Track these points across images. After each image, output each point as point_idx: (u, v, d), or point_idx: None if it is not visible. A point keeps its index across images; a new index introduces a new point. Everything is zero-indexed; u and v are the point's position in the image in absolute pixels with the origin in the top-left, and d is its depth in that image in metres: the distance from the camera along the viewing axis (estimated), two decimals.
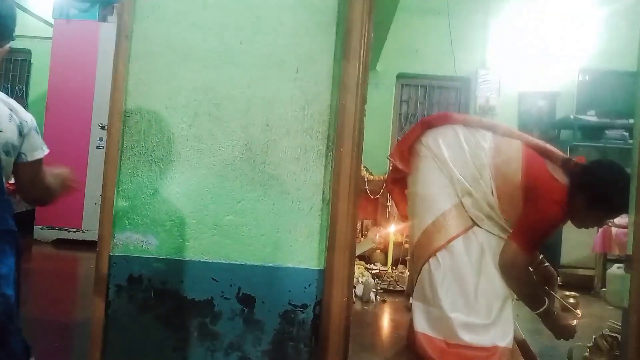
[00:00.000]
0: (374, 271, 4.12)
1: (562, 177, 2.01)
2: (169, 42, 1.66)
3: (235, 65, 1.66)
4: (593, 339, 2.12)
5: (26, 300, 1.37)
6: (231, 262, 1.63)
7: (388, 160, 2.45)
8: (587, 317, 3.29)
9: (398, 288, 3.75)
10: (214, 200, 1.65)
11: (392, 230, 4.25)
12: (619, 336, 1.97)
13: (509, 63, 5.45)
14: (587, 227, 2.13)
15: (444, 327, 1.99)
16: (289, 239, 1.64)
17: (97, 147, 4.50)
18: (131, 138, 1.65)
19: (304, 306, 1.62)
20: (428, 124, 2.23)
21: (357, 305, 3.28)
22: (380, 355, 2.48)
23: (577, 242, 4.27)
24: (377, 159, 4.79)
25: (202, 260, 1.64)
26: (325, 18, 1.66)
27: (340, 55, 1.65)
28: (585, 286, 4.13)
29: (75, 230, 4.54)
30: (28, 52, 5.37)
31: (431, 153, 2.15)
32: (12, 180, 1.30)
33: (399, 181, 2.35)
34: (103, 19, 4.72)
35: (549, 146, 2.11)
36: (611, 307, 2.75)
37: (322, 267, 1.64)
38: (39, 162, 1.27)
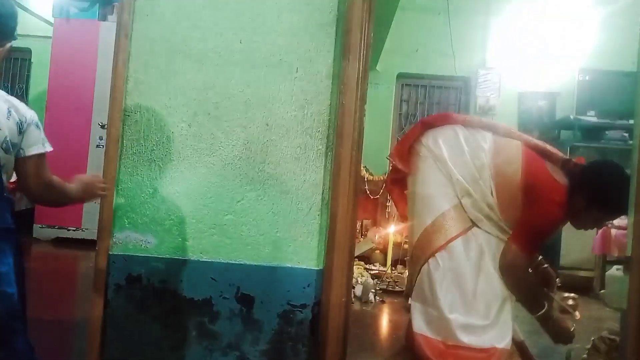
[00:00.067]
0: (373, 271, 4.11)
1: (561, 178, 2.01)
2: (169, 42, 1.65)
3: (235, 65, 1.66)
4: (592, 341, 2.12)
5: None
6: (230, 261, 1.63)
7: (388, 160, 2.45)
8: (585, 319, 3.28)
9: (397, 289, 3.75)
10: (214, 200, 1.64)
11: (392, 231, 4.25)
12: (617, 338, 1.97)
13: (509, 63, 5.44)
14: (586, 229, 2.12)
15: (442, 328, 1.99)
16: (288, 239, 1.64)
17: (97, 146, 4.50)
18: (131, 137, 1.65)
19: (303, 306, 1.62)
20: (428, 124, 2.22)
21: (356, 306, 3.28)
22: (379, 355, 2.47)
23: (576, 244, 4.27)
24: (377, 159, 4.78)
25: (201, 260, 1.64)
26: (325, 18, 1.66)
27: (340, 55, 1.65)
28: (585, 288, 4.12)
29: (74, 229, 4.53)
30: (28, 51, 5.36)
31: (431, 153, 2.15)
32: (14, 179, 1.29)
33: (398, 181, 2.34)
34: (103, 18, 4.72)
35: (548, 147, 2.11)
36: (610, 309, 2.75)
37: (321, 267, 1.64)
38: (38, 157, 1.25)
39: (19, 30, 1.33)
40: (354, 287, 3.40)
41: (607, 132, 4.96)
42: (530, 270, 2.10)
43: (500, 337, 1.97)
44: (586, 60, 5.31)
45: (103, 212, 1.64)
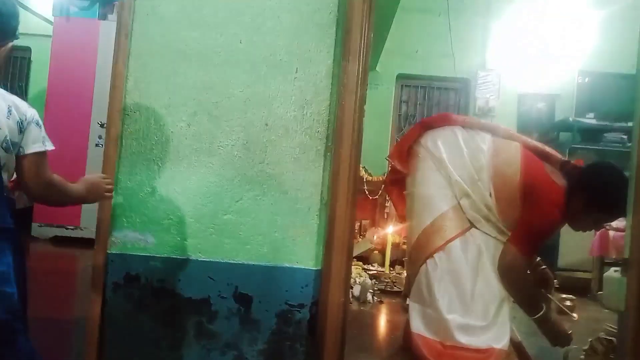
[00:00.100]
0: (372, 272, 4.12)
1: (560, 180, 2.01)
2: (169, 41, 1.65)
3: (235, 65, 1.66)
4: (589, 342, 2.12)
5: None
6: (228, 261, 1.63)
7: (387, 161, 2.45)
8: (583, 320, 3.29)
9: (395, 289, 3.75)
10: (212, 199, 1.65)
11: (390, 231, 4.25)
12: (614, 339, 1.97)
13: (509, 64, 5.45)
14: (584, 230, 2.13)
15: (440, 329, 1.99)
16: (286, 239, 1.64)
17: (96, 145, 4.49)
18: (130, 136, 1.65)
19: (301, 306, 1.62)
20: (427, 125, 2.23)
21: (354, 306, 3.28)
22: (377, 355, 2.48)
23: (574, 245, 4.28)
24: (376, 160, 4.78)
25: (199, 259, 1.64)
26: (325, 18, 1.66)
27: (340, 56, 1.65)
28: (582, 289, 4.13)
29: (73, 227, 4.53)
30: (28, 49, 5.35)
31: (430, 154, 2.16)
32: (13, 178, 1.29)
33: (397, 182, 2.35)
34: (103, 17, 4.71)
35: (547, 148, 2.12)
36: (607, 310, 2.74)
37: (319, 267, 1.64)
38: (38, 155, 1.25)
39: (19, 28, 1.33)
40: (352, 287, 3.40)
41: (606, 134, 4.97)
42: (528, 271, 2.11)
43: (498, 338, 1.97)
44: (586, 62, 5.31)
45: (102, 211, 1.64)
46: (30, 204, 4.06)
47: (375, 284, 3.77)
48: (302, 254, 1.64)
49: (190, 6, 1.66)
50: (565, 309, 3.08)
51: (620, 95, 4.94)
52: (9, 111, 1.21)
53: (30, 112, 1.26)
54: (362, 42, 1.66)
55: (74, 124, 4.48)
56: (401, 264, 4.15)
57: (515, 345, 2.07)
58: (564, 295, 3.48)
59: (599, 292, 3.82)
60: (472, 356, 1.95)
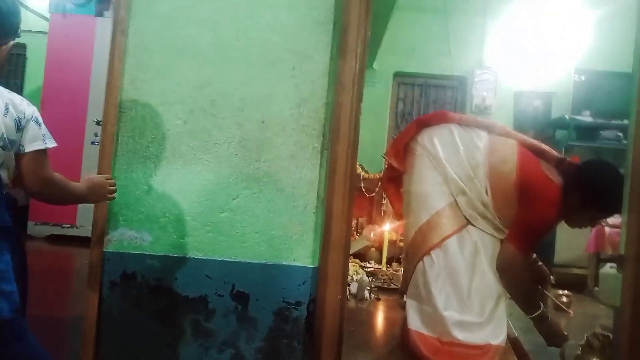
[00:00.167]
0: (369, 269, 4.12)
1: (556, 177, 2.02)
2: (165, 38, 1.65)
3: (231, 62, 1.65)
4: (585, 338, 2.13)
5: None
6: (225, 259, 1.63)
7: (384, 159, 2.45)
8: (579, 316, 3.31)
9: (392, 286, 3.76)
10: (209, 197, 1.64)
11: (387, 229, 4.26)
12: (611, 335, 1.98)
13: (506, 63, 5.46)
14: (580, 227, 2.14)
15: (437, 325, 2.00)
16: (283, 237, 1.64)
17: (92, 143, 4.48)
18: (126, 134, 1.64)
19: (298, 304, 1.62)
20: (423, 123, 2.23)
21: (351, 303, 3.29)
22: (374, 352, 2.48)
23: (570, 242, 4.30)
24: (373, 157, 4.79)
25: (196, 257, 1.63)
26: (321, 15, 1.65)
27: (337, 53, 1.65)
28: (578, 285, 4.16)
29: (69, 226, 4.52)
30: (23, 46, 5.33)
31: (426, 152, 2.16)
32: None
33: (394, 179, 2.35)
34: (99, 14, 4.69)
35: (543, 146, 2.12)
36: (604, 306, 2.77)
37: (316, 265, 1.64)
38: (37, 153, 1.25)
39: (20, 27, 1.33)
40: (349, 285, 3.41)
41: (602, 132, 4.99)
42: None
43: (495, 334, 1.98)
44: (582, 61, 5.33)
45: (98, 209, 1.63)
46: (27, 202, 4.04)
47: (372, 281, 3.77)
48: (299, 251, 1.63)
49: (186, 3, 1.66)
50: (562, 305, 3.10)
51: (616, 93, 4.97)
52: (6, 109, 1.21)
53: (30, 110, 1.26)
54: (359, 40, 1.66)
55: (69, 122, 4.46)
56: (398, 261, 4.16)
57: (512, 341, 2.08)
58: (560, 291, 3.50)
59: (595, 288, 3.85)
60: (470, 352, 1.95)
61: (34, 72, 5.20)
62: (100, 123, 1.66)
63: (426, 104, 5.78)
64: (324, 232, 1.64)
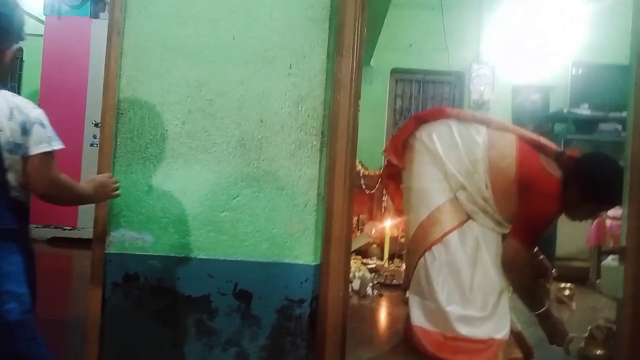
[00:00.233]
0: (371, 266, 4.13)
1: (555, 171, 2.02)
2: (161, 38, 1.65)
3: (229, 61, 1.65)
4: (588, 330, 2.14)
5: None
6: (227, 258, 1.63)
7: (383, 155, 2.45)
8: (582, 309, 3.31)
9: (394, 282, 3.76)
10: (209, 197, 1.64)
11: (388, 225, 4.26)
12: (613, 327, 1.99)
13: (503, 57, 5.46)
14: (581, 220, 2.14)
15: (440, 321, 2.00)
16: (284, 235, 1.64)
17: (91, 145, 4.48)
18: (124, 135, 1.64)
19: (301, 301, 1.63)
20: (422, 119, 2.23)
21: (354, 300, 3.29)
22: (377, 349, 2.49)
23: (572, 235, 4.30)
24: (372, 154, 4.79)
25: (198, 257, 1.63)
26: (318, 13, 1.65)
27: (334, 51, 1.65)
28: (581, 278, 4.16)
29: (70, 228, 4.52)
30: (19, 49, 5.32)
31: (425, 148, 2.16)
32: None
33: (394, 176, 2.36)
34: (95, 15, 4.68)
35: (542, 139, 2.12)
36: (606, 298, 2.77)
37: (318, 262, 1.64)
38: (44, 155, 1.25)
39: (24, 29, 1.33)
40: (351, 282, 3.41)
41: (600, 125, 4.99)
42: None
43: (498, 328, 1.98)
44: (579, 54, 5.33)
45: (99, 211, 1.63)
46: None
47: (374, 277, 3.78)
48: (301, 249, 1.64)
49: (182, 3, 1.65)
50: (564, 298, 3.11)
51: (614, 86, 4.96)
52: (11, 113, 1.22)
53: (35, 113, 1.27)
54: (356, 37, 1.65)
55: (68, 124, 4.44)
56: (400, 257, 4.17)
57: (516, 335, 2.08)
58: (562, 285, 3.50)
59: (597, 281, 3.86)
60: (473, 347, 1.96)
61: (31, 75, 5.19)
62: (99, 125, 1.66)
63: (424, 100, 5.78)
64: (325, 229, 1.64)
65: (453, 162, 2.10)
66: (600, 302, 3.35)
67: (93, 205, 1.61)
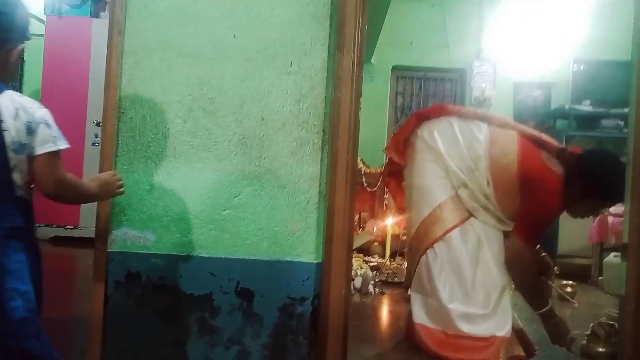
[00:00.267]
0: (372, 263, 4.13)
1: (557, 167, 2.02)
2: (162, 37, 1.64)
3: (229, 60, 1.65)
4: (591, 327, 2.14)
5: None
6: (229, 256, 1.63)
7: (384, 153, 2.45)
8: (584, 306, 3.31)
9: (396, 280, 3.76)
10: (211, 195, 1.64)
11: (390, 223, 4.26)
12: (616, 324, 1.99)
13: (504, 54, 5.44)
14: (582, 217, 2.14)
15: (442, 318, 2.00)
16: (286, 233, 1.64)
17: (93, 144, 4.48)
18: (126, 134, 1.64)
19: (303, 299, 1.63)
20: (423, 117, 2.23)
21: (356, 298, 3.29)
22: (379, 346, 2.49)
23: (573, 232, 4.30)
24: (373, 152, 4.78)
25: (200, 256, 1.64)
26: (318, 11, 1.65)
27: (335, 48, 1.64)
28: (583, 275, 4.15)
29: (72, 227, 4.52)
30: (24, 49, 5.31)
31: (426, 145, 2.16)
32: None
33: (395, 174, 2.36)
34: (95, 14, 4.69)
35: (544, 136, 2.12)
36: (608, 295, 2.77)
37: (320, 260, 1.64)
38: (49, 155, 1.26)
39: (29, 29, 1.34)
40: (353, 279, 3.41)
41: (602, 121, 4.97)
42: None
43: (500, 326, 1.99)
44: (581, 50, 5.31)
45: (100, 210, 1.64)
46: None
47: (376, 275, 3.78)
48: (303, 247, 1.64)
49: (183, 1, 1.65)
50: (566, 295, 3.10)
51: (615, 82, 4.95)
52: (17, 113, 1.22)
53: (40, 113, 1.27)
54: (357, 34, 1.65)
55: (69, 124, 4.41)
56: (401, 254, 4.17)
57: (517, 332, 2.09)
58: (564, 282, 3.50)
59: (600, 278, 3.85)
60: (475, 344, 1.96)
61: (32, 75, 5.19)
62: (100, 124, 1.66)
63: (425, 97, 5.77)
64: (327, 227, 1.64)
65: (454, 159, 2.10)
66: (602, 299, 3.35)
67: (95, 204, 1.62)
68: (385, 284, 3.68)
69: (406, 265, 2.76)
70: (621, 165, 1.68)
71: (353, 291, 3.32)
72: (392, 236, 4.21)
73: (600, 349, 2.06)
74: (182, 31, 1.65)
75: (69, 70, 4.53)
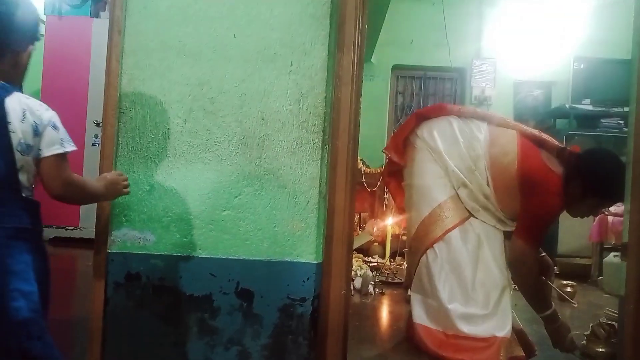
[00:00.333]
0: (372, 264, 4.13)
1: (557, 167, 2.01)
2: (162, 37, 1.64)
3: (229, 59, 1.65)
4: (590, 327, 2.13)
5: None
6: (229, 257, 1.63)
7: (384, 153, 2.45)
8: (584, 306, 3.31)
9: (396, 280, 3.76)
10: (211, 196, 1.64)
11: (390, 223, 4.26)
12: (616, 324, 1.98)
13: (504, 53, 5.44)
14: (582, 217, 2.13)
15: (442, 319, 2.00)
16: (286, 233, 1.64)
17: (93, 145, 4.48)
18: (126, 134, 1.64)
19: (303, 300, 1.63)
20: (423, 116, 2.22)
21: (356, 298, 3.29)
22: (379, 347, 2.49)
23: (573, 232, 4.30)
24: (373, 152, 4.78)
25: (200, 256, 1.64)
26: (318, 10, 1.65)
27: (335, 48, 1.64)
28: (582, 275, 4.15)
29: (72, 228, 4.52)
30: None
31: (426, 145, 2.16)
32: None
33: (395, 174, 2.35)
34: (96, 14, 4.68)
35: (544, 135, 2.12)
36: (608, 295, 2.76)
37: (320, 261, 1.64)
38: (57, 157, 1.27)
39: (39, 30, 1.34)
40: (353, 280, 3.41)
41: (602, 120, 4.97)
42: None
43: (500, 326, 1.98)
44: (581, 49, 5.31)
45: (100, 211, 1.63)
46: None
47: (376, 275, 3.78)
48: (302, 247, 1.64)
49: (182, 1, 1.65)
50: (566, 295, 3.10)
51: (616, 81, 4.94)
52: (23, 115, 1.22)
53: (47, 115, 1.27)
54: (357, 33, 1.65)
55: (69, 124, 4.35)
56: (401, 255, 4.17)
57: (517, 332, 2.08)
58: (564, 282, 3.50)
59: (599, 278, 3.85)
60: (475, 345, 1.95)
61: (32, 75, 5.16)
62: (100, 124, 1.66)
63: (425, 96, 5.77)
64: (327, 227, 1.64)
65: (454, 159, 2.09)
66: (602, 299, 3.35)
67: (95, 204, 1.62)
68: (385, 284, 3.68)
69: (406, 265, 2.75)
70: (621, 164, 1.67)
71: (353, 292, 3.32)
72: (392, 236, 4.21)
73: (600, 349, 2.06)
74: (182, 31, 1.64)
75: (69, 70, 4.53)
